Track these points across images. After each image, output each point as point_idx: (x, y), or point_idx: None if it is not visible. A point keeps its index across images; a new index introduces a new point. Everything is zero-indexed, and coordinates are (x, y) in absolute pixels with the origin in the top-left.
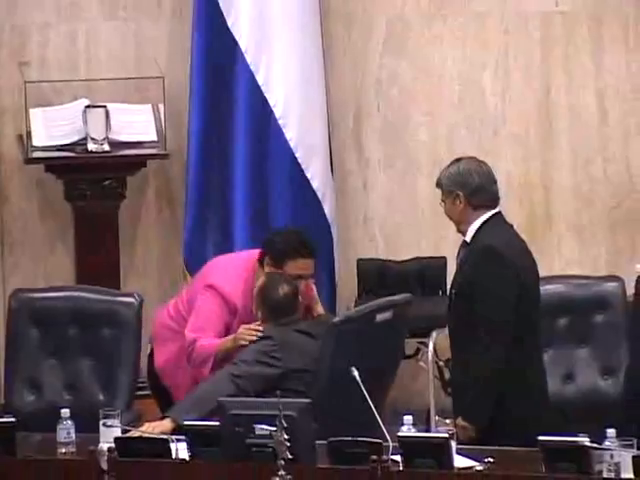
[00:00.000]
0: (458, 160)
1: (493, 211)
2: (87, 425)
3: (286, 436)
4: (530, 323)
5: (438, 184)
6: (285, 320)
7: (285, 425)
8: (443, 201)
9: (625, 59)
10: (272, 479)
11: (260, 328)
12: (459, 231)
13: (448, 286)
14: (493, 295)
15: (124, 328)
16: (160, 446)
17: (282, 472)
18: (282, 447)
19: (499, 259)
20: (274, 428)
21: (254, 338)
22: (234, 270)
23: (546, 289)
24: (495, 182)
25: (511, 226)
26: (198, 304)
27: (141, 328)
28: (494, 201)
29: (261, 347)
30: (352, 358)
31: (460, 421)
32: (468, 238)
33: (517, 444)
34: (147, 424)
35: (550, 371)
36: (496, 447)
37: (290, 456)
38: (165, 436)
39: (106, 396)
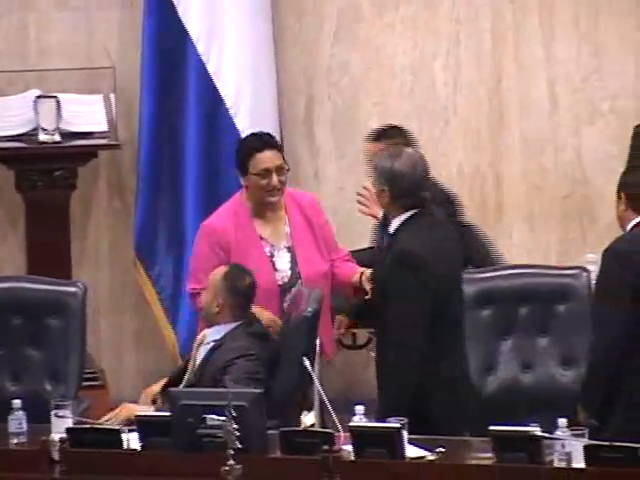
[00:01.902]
0: (398, 152)
1: (415, 210)
2: (34, 415)
3: (236, 426)
4: (445, 322)
5: (373, 167)
6: (243, 314)
7: (236, 415)
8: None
9: (576, 48)
10: (221, 469)
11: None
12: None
13: None
14: (404, 301)
15: (69, 317)
16: (111, 436)
17: (231, 462)
18: (231, 437)
19: (412, 265)
20: (222, 418)
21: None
22: (222, 208)
23: (509, 278)
24: (425, 188)
25: (440, 221)
26: (192, 250)
27: (86, 317)
28: (419, 204)
29: (250, 367)
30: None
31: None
32: (391, 230)
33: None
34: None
35: (509, 360)
36: (448, 437)
37: (240, 446)
38: (117, 426)
39: (53, 386)
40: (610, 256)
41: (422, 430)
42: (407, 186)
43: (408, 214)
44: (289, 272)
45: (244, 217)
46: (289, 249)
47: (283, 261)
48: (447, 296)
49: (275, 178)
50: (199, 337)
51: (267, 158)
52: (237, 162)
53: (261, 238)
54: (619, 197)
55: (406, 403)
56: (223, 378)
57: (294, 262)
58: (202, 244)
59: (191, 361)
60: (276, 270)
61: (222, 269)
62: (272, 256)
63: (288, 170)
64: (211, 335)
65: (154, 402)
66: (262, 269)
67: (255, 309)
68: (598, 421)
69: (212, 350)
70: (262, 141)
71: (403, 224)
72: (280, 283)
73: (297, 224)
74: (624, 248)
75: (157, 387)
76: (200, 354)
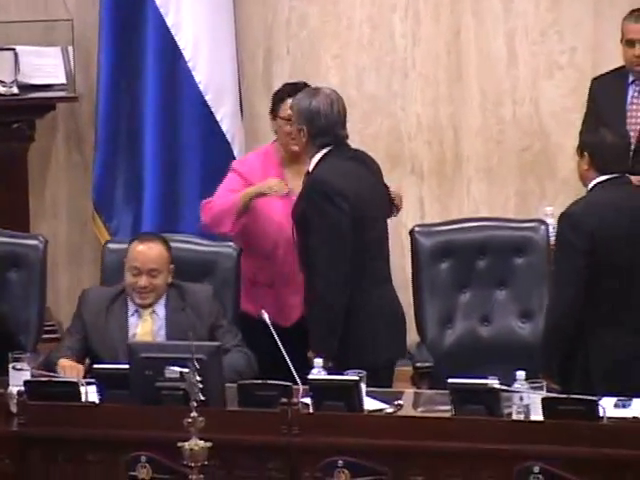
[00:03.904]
0: (314, 93)
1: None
2: None
3: (199, 378)
4: (369, 249)
5: (290, 107)
6: None
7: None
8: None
9: (534, 1)
10: (184, 421)
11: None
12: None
13: None
14: (323, 229)
15: (29, 271)
16: (70, 389)
17: (194, 414)
18: (194, 389)
19: (328, 192)
20: (185, 370)
21: (282, 192)
22: (251, 154)
23: (467, 231)
24: (343, 124)
25: (361, 159)
26: None
27: (46, 270)
28: (338, 142)
29: None
30: None
31: (310, 354)
32: (310, 168)
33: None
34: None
35: (467, 312)
36: (408, 390)
37: (203, 398)
38: (75, 379)
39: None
40: (564, 220)
41: (354, 359)
42: (324, 123)
43: (324, 150)
44: None
45: (275, 167)
46: None
47: None
48: (364, 222)
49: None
50: None
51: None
52: (271, 105)
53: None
54: (581, 155)
55: (337, 335)
56: None
57: None
58: (229, 175)
59: None
60: None
61: None
62: None
63: None
64: None
65: None
66: (281, 206)
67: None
68: (560, 386)
69: None
70: (295, 88)
71: (320, 160)
72: None
73: None
74: (578, 212)
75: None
76: None
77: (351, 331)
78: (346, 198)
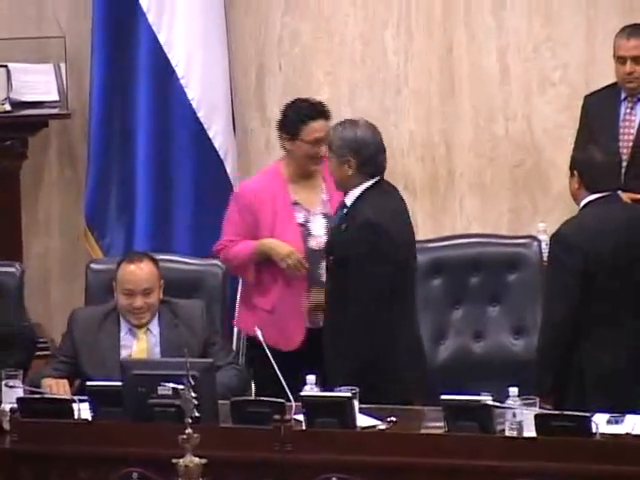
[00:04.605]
0: (354, 123)
1: (376, 178)
2: None
3: (194, 394)
4: (402, 292)
5: (330, 143)
6: None
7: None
8: (330, 159)
9: (527, 17)
10: (179, 437)
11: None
12: (339, 188)
13: None
14: (368, 271)
15: (6, 298)
16: (63, 406)
17: (189, 430)
18: (190, 405)
19: (377, 235)
20: (180, 386)
21: (298, 273)
22: (259, 173)
23: (460, 247)
24: (384, 151)
25: (394, 190)
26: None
27: (23, 297)
28: (380, 171)
29: None
30: None
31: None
32: (349, 202)
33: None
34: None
35: (460, 328)
36: (400, 406)
37: (198, 414)
38: (68, 396)
39: None
40: (556, 241)
41: (376, 399)
42: (373, 151)
43: (368, 184)
44: (324, 238)
45: (279, 182)
46: (325, 215)
47: (318, 226)
48: (405, 264)
49: (324, 148)
50: None
51: (320, 127)
52: (284, 125)
53: (295, 204)
54: (572, 173)
55: (367, 376)
56: None
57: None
58: (232, 208)
59: None
60: (311, 235)
61: None
62: (307, 221)
63: None
64: None
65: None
66: (290, 235)
67: (273, 241)
68: (553, 405)
69: None
70: (316, 110)
71: (363, 193)
72: (316, 248)
73: (334, 192)
74: (570, 233)
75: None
76: None
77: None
78: (392, 242)
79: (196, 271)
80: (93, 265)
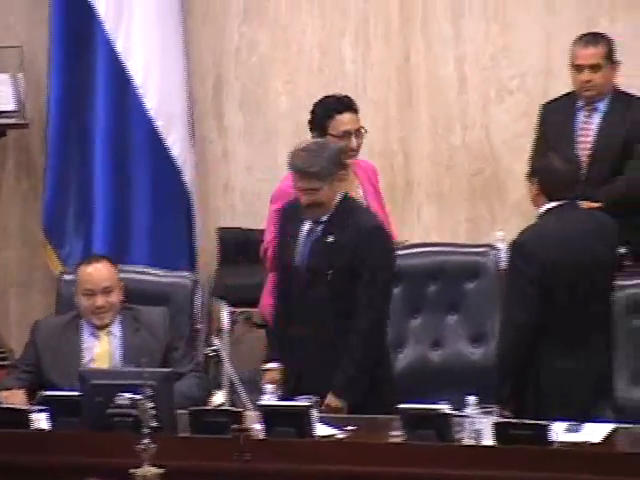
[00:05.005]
0: (323, 144)
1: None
2: None
3: (151, 404)
4: None
5: (318, 172)
6: None
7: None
8: (316, 189)
9: (484, 26)
10: (136, 448)
11: None
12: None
13: None
14: (381, 277)
15: None
16: (20, 416)
17: (146, 440)
18: (147, 415)
19: (388, 240)
20: (137, 397)
21: None
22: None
23: (419, 256)
24: None
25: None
26: None
27: None
28: None
29: None
30: None
31: (333, 400)
32: (325, 217)
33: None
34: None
35: (418, 337)
36: (359, 415)
37: (156, 424)
38: (25, 406)
39: None
40: (515, 249)
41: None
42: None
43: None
44: None
45: None
46: None
47: None
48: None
49: (354, 140)
50: None
51: (348, 120)
52: (314, 123)
53: None
54: (531, 181)
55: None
56: None
57: None
58: (272, 208)
59: None
60: None
61: None
62: None
63: (366, 132)
64: None
65: None
66: None
67: None
68: (513, 414)
69: None
70: (342, 103)
71: (342, 207)
72: None
73: (367, 188)
74: (528, 241)
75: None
76: None
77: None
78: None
79: (165, 283)
80: (66, 277)
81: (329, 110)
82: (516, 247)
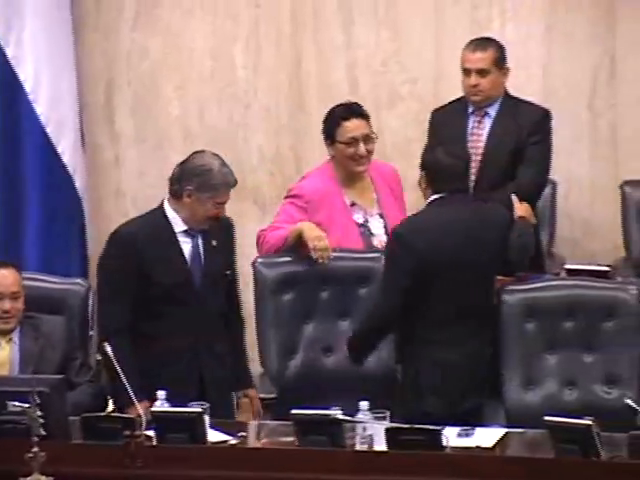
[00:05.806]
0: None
1: None
2: None
3: (40, 412)
4: None
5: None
6: None
7: (39, 401)
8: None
9: (375, 32)
10: (25, 456)
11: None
12: None
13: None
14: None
15: None
16: None
17: (36, 449)
18: (35, 424)
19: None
20: (27, 405)
21: (323, 260)
22: (312, 174)
23: (308, 262)
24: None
25: None
26: None
27: None
28: None
29: None
30: None
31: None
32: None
33: None
34: None
35: (310, 343)
36: (254, 421)
37: (44, 432)
38: None
39: None
40: (394, 239)
41: None
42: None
43: None
44: (384, 237)
45: (333, 185)
46: (380, 215)
47: (378, 226)
48: None
49: (362, 147)
50: None
51: (354, 126)
52: (325, 132)
53: (353, 204)
54: (420, 175)
55: None
56: None
57: (386, 228)
58: (287, 202)
59: None
60: (372, 235)
61: None
62: (366, 221)
63: (376, 138)
64: None
65: None
66: (349, 237)
67: (306, 224)
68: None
69: None
70: (349, 110)
71: None
72: (379, 247)
73: (383, 192)
74: (407, 232)
75: None
76: None
77: None
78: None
79: (58, 290)
80: None
81: (336, 117)
82: (395, 237)
